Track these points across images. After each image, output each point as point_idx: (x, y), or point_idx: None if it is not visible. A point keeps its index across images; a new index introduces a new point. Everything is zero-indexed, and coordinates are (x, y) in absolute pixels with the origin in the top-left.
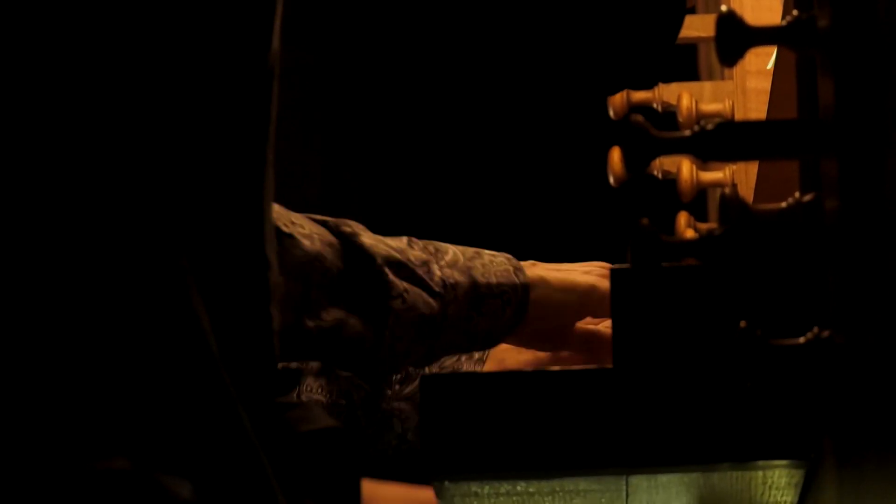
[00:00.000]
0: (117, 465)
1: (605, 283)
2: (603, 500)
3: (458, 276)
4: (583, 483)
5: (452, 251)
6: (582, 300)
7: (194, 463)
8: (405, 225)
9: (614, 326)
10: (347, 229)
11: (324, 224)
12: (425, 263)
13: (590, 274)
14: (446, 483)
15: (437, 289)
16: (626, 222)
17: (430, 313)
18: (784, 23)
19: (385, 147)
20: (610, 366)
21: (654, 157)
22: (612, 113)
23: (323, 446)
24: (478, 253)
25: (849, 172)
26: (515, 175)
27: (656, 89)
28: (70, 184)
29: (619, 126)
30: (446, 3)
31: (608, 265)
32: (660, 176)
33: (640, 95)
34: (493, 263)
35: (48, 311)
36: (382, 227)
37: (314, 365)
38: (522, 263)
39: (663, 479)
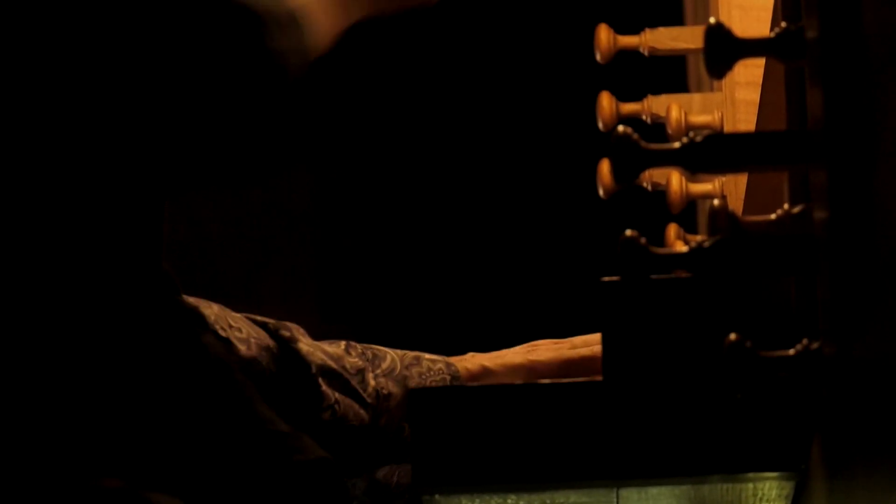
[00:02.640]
0: (110, 484)
1: (544, 356)
2: None
3: (391, 387)
4: (573, 496)
5: (390, 358)
6: (528, 379)
7: (188, 483)
8: (393, 227)
9: (603, 339)
10: (286, 333)
11: (263, 326)
12: (360, 372)
13: (525, 353)
14: (436, 497)
15: (369, 400)
16: (615, 234)
17: (360, 424)
18: (772, 34)
19: (371, 148)
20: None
21: (643, 169)
22: (601, 124)
23: (315, 477)
24: (417, 359)
25: (838, 183)
26: (504, 186)
27: (645, 101)
28: None
29: (608, 138)
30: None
31: (544, 342)
32: (649, 187)
33: (628, 107)
34: (430, 372)
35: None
36: (369, 228)
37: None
38: (463, 358)
39: (654, 491)
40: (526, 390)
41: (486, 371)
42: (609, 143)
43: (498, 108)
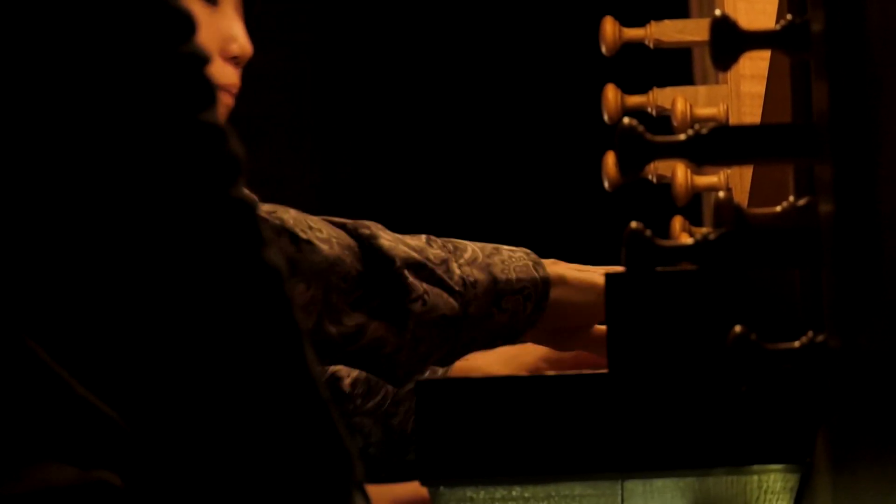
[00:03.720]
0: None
1: None
2: None
3: (477, 274)
4: (578, 488)
5: (471, 248)
6: (599, 299)
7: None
8: (398, 221)
9: (609, 331)
10: (366, 231)
11: (342, 227)
12: (444, 262)
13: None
14: (441, 488)
15: (456, 288)
16: (620, 226)
17: (451, 313)
18: (778, 27)
19: (380, 147)
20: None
21: (648, 162)
22: (606, 117)
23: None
24: (496, 249)
25: (843, 176)
26: (509, 178)
27: (650, 93)
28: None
29: (613, 130)
30: (437, 9)
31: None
32: (654, 180)
33: (634, 99)
34: (511, 259)
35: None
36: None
37: None
38: (543, 261)
39: (659, 483)
40: (532, 382)
41: (561, 279)
42: (614, 136)
43: (504, 101)
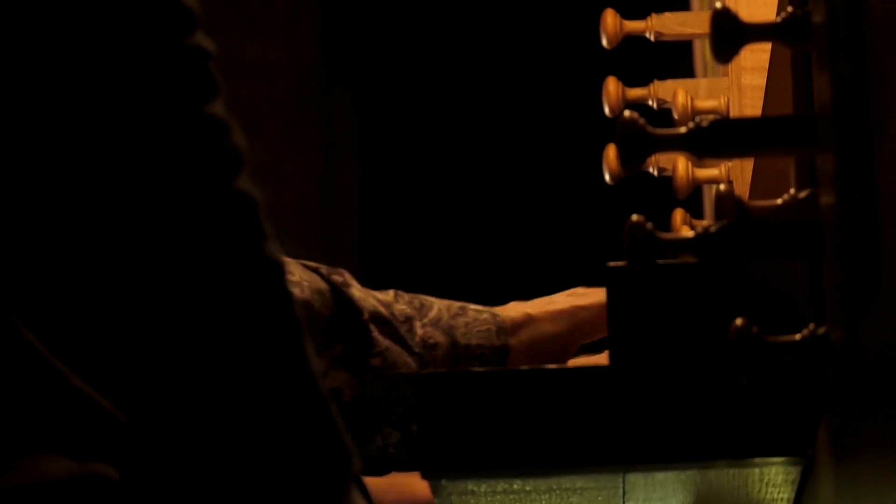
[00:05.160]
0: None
1: (585, 301)
2: (600, 498)
3: (438, 336)
4: (580, 481)
5: (437, 307)
6: (573, 324)
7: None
8: (401, 225)
9: (610, 324)
10: (339, 279)
11: (315, 271)
12: (408, 320)
13: (567, 298)
14: (443, 481)
15: (416, 349)
16: (621, 219)
17: (408, 372)
18: (779, 19)
19: (382, 139)
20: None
21: (649, 154)
22: (607, 110)
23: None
24: (462, 309)
25: (844, 168)
26: (510, 172)
27: (651, 86)
28: None
29: (614, 123)
30: (439, 2)
31: (584, 289)
32: (655, 173)
33: (635, 92)
34: (476, 322)
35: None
36: (379, 229)
37: None
38: (506, 307)
39: (660, 476)
40: (533, 375)
41: (529, 318)
42: (615, 129)
43: (504, 94)
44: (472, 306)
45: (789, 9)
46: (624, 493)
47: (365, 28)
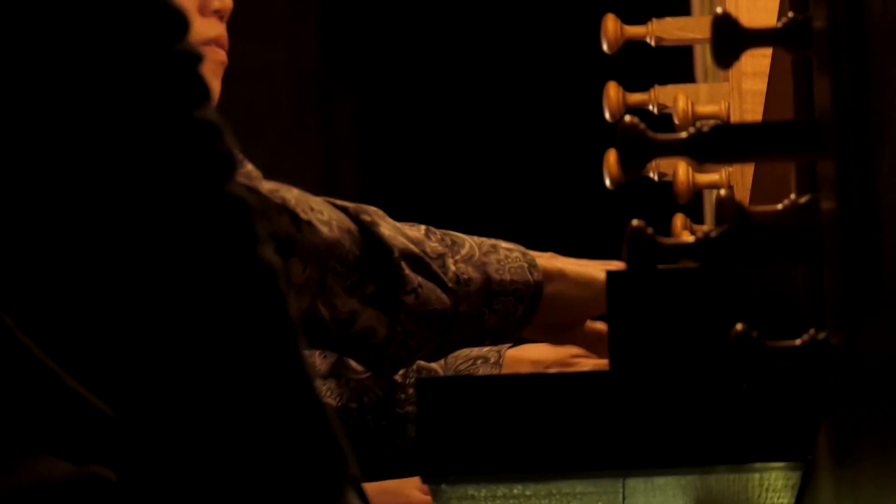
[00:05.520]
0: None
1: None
2: (600, 503)
3: (472, 272)
4: (579, 486)
5: (469, 244)
6: (598, 295)
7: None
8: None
9: (610, 329)
10: (367, 217)
11: (343, 210)
12: (441, 256)
13: (606, 267)
14: (443, 486)
15: (450, 284)
16: (621, 224)
17: (442, 309)
18: (780, 24)
19: (383, 142)
20: (607, 367)
21: (650, 159)
22: (608, 115)
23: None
24: (494, 246)
25: (845, 173)
26: (511, 176)
27: (652, 91)
28: None
29: (615, 128)
30: (440, 7)
31: (620, 263)
32: (656, 178)
33: (635, 97)
34: (508, 259)
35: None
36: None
37: (323, 367)
38: (542, 255)
39: (660, 481)
40: (533, 380)
41: (560, 274)
42: (616, 134)
43: (505, 99)
44: (504, 244)
45: (790, 14)
46: (624, 498)
47: (365, 30)
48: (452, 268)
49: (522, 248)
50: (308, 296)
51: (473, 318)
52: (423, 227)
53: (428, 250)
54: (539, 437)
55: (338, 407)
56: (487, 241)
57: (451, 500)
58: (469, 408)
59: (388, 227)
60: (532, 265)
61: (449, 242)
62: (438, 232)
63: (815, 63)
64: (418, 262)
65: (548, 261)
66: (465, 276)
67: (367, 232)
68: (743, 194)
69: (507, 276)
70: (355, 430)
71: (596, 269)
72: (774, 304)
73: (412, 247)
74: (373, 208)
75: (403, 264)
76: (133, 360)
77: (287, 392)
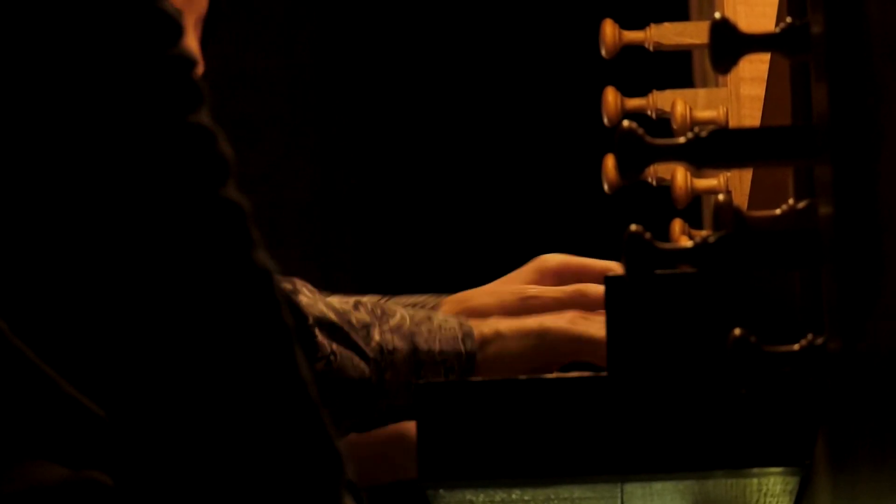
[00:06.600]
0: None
1: (558, 324)
2: None
3: (397, 342)
4: (577, 491)
5: (400, 314)
6: (541, 342)
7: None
8: (395, 222)
9: (608, 334)
10: (288, 286)
11: None
12: (366, 327)
13: (546, 318)
14: (441, 491)
15: (370, 354)
16: (619, 229)
17: (359, 377)
18: (778, 30)
19: (379, 149)
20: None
21: (648, 164)
22: (605, 120)
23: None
24: (429, 317)
25: (843, 179)
26: (509, 181)
27: (650, 96)
28: None
29: (612, 133)
30: (437, 11)
31: (577, 312)
32: (654, 183)
33: (633, 102)
34: (441, 329)
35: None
36: (374, 231)
37: None
38: (481, 321)
39: (658, 486)
40: (531, 385)
41: (496, 336)
42: (614, 139)
43: (503, 104)
44: (441, 315)
45: (788, 19)
46: (622, 503)
47: (362, 37)
48: (377, 337)
49: (461, 320)
50: None
51: (402, 386)
52: (353, 299)
53: (352, 320)
54: (537, 441)
55: None
56: (423, 313)
57: None
58: (467, 413)
59: (308, 297)
60: (467, 334)
61: (379, 313)
62: (370, 304)
63: (812, 68)
64: (335, 330)
65: (486, 324)
66: (390, 347)
67: (286, 300)
68: (741, 199)
69: (437, 346)
70: None
71: (532, 320)
72: (772, 309)
73: (330, 315)
74: (298, 280)
75: (317, 331)
76: (128, 364)
77: (282, 397)
